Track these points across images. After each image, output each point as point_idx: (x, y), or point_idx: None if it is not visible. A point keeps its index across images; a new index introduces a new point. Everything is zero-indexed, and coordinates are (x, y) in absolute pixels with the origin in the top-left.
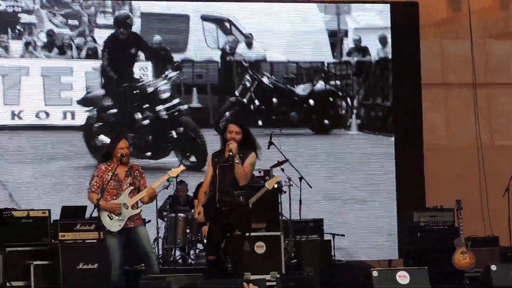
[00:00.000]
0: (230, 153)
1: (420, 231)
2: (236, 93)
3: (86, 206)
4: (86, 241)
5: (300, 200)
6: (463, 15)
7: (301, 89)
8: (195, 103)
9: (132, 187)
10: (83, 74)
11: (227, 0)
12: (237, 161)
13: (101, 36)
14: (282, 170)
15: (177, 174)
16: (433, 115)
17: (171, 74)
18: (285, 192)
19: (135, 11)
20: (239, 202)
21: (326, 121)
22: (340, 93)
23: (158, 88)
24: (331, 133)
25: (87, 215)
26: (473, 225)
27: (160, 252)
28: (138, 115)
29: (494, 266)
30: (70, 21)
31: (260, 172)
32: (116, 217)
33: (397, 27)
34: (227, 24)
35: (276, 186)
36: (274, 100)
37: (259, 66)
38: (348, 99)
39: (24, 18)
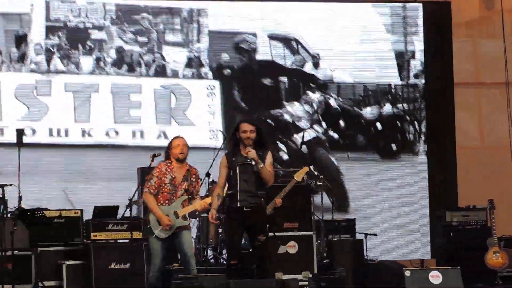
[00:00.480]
0: (253, 162)
1: (452, 231)
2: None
3: (118, 206)
4: (118, 241)
5: (333, 200)
6: (496, 14)
7: (368, 112)
8: None
9: (185, 197)
10: (151, 92)
11: None
12: (261, 165)
13: (169, 53)
14: (315, 170)
15: None
16: (465, 115)
17: (312, 96)
18: (317, 192)
19: (203, 28)
20: (261, 204)
21: (394, 146)
22: (408, 117)
23: (295, 115)
24: (398, 159)
25: (119, 215)
26: (506, 224)
27: None
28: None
29: None
30: (139, 38)
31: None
32: None
33: (429, 26)
34: (294, 44)
35: (305, 177)
36: (341, 123)
37: (326, 87)
38: (415, 123)
39: (95, 34)
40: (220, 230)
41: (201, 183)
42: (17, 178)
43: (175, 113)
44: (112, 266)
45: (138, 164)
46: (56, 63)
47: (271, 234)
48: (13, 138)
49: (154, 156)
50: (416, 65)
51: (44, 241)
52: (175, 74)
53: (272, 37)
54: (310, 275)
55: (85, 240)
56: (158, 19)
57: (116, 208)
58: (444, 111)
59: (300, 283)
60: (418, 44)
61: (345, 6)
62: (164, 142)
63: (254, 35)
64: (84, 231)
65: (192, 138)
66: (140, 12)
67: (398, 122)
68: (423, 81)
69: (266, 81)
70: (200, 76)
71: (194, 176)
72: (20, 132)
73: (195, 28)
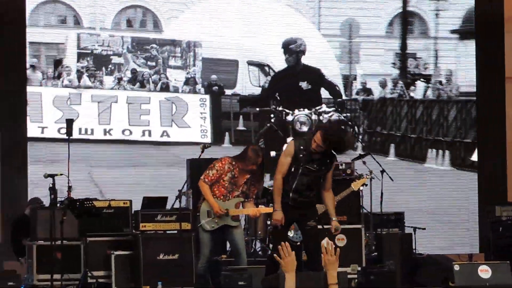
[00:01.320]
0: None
1: (502, 226)
2: (273, 120)
3: (167, 197)
4: (167, 231)
5: (382, 193)
6: None
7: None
8: (240, 127)
9: (241, 199)
10: (157, 103)
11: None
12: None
13: (172, 74)
14: (364, 163)
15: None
16: None
17: (324, 109)
18: (366, 185)
19: (198, 56)
20: (312, 201)
21: None
22: (350, 123)
23: (297, 119)
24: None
25: (168, 206)
26: None
27: None
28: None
29: None
30: (149, 62)
31: (341, 165)
32: (214, 218)
33: (482, 21)
34: (267, 68)
35: (362, 188)
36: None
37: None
38: (356, 127)
39: (115, 59)
40: (268, 222)
41: None
42: (66, 168)
43: (175, 118)
44: (161, 256)
45: (146, 155)
46: (85, 80)
47: (319, 227)
48: (52, 134)
49: (204, 147)
50: (357, 85)
51: (93, 231)
52: (176, 90)
53: (250, 63)
54: (359, 268)
55: (134, 231)
56: (164, 49)
57: (165, 199)
58: (494, 105)
59: (349, 276)
60: (359, 70)
61: (306, 41)
62: (166, 139)
63: (236, 61)
64: (133, 222)
65: (187, 137)
66: (150, 43)
67: (343, 126)
68: (362, 97)
69: (304, 84)
70: (195, 92)
71: (254, 180)
72: (70, 122)
73: (192, 55)
